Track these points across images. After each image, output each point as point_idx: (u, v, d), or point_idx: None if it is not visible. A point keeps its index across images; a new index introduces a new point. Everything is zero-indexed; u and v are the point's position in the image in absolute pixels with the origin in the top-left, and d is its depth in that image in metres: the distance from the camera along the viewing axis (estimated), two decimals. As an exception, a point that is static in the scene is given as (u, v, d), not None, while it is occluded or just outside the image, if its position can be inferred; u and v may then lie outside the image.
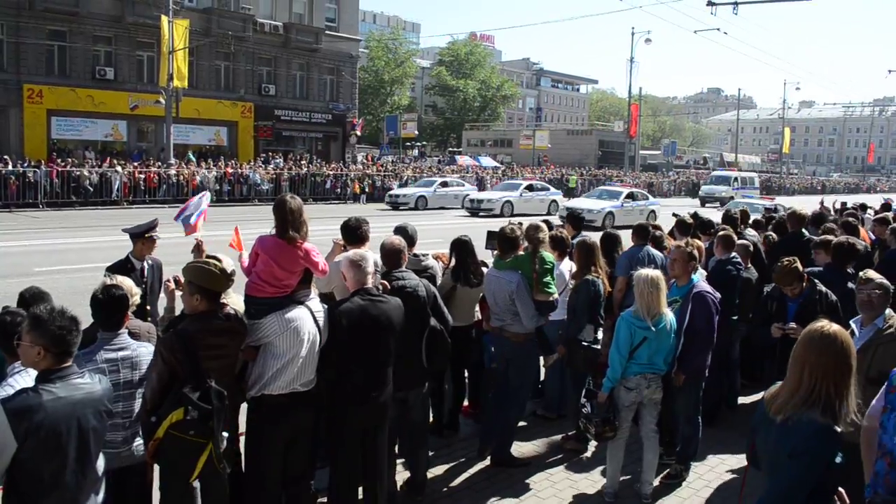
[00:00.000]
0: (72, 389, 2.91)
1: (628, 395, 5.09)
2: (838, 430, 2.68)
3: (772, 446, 2.81)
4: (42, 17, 30.15)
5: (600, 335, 6.03)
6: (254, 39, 36.39)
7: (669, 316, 5.09)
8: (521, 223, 6.03)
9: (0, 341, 3.44)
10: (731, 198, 42.32)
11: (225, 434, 3.62)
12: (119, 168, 27.01)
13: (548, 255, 5.76)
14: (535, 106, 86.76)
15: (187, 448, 3.50)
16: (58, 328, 2.90)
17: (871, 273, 4.48)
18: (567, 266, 6.50)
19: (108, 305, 3.67)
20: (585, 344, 5.84)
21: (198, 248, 5.32)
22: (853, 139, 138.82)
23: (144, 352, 3.77)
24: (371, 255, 4.59)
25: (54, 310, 2.96)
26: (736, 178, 45.45)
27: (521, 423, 6.28)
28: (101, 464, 3.14)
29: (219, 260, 3.94)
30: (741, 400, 7.31)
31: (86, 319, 3.99)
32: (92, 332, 3.77)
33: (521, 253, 5.66)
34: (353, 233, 4.94)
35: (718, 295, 5.64)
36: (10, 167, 24.73)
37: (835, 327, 2.78)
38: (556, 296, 5.68)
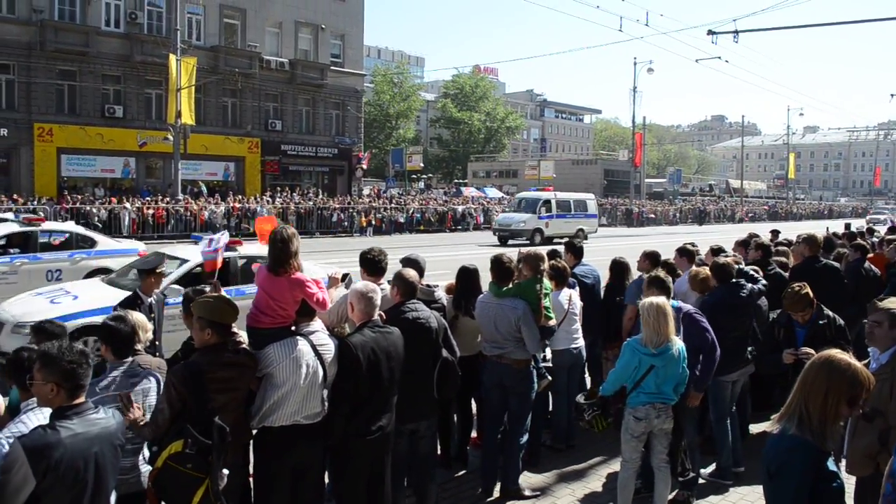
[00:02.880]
0: (88, 425, 2.91)
1: (638, 425, 5.03)
2: (814, 445, 2.61)
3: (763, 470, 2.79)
4: (52, 57, 30.65)
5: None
6: (260, 76, 36.89)
7: (678, 344, 5.03)
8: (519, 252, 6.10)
9: (16, 378, 3.47)
10: (538, 230, 29.73)
11: (226, 471, 3.61)
12: (128, 204, 27.25)
13: (546, 282, 5.85)
14: (539, 136, 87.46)
15: (184, 481, 3.50)
16: (68, 363, 2.91)
17: (888, 302, 4.16)
18: (566, 295, 6.48)
19: (106, 334, 3.89)
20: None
21: (214, 288, 5.38)
22: (859, 163, 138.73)
23: (149, 382, 3.82)
24: (380, 288, 4.62)
25: (63, 345, 2.97)
26: (547, 202, 30.75)
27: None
28: (112, 499, 3.14)
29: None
30: (751, 428, 7.22)
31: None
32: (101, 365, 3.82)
33: (519, 281, 5.70)
34: (374, 265, 4.94)
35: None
36: (20, 204, 24.97)
37: (840, 354, 2.74)
38: (554, 321, 5.73)
